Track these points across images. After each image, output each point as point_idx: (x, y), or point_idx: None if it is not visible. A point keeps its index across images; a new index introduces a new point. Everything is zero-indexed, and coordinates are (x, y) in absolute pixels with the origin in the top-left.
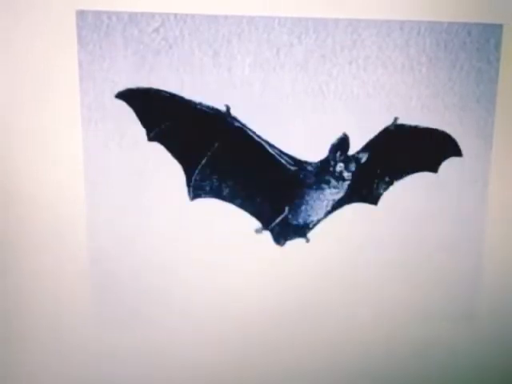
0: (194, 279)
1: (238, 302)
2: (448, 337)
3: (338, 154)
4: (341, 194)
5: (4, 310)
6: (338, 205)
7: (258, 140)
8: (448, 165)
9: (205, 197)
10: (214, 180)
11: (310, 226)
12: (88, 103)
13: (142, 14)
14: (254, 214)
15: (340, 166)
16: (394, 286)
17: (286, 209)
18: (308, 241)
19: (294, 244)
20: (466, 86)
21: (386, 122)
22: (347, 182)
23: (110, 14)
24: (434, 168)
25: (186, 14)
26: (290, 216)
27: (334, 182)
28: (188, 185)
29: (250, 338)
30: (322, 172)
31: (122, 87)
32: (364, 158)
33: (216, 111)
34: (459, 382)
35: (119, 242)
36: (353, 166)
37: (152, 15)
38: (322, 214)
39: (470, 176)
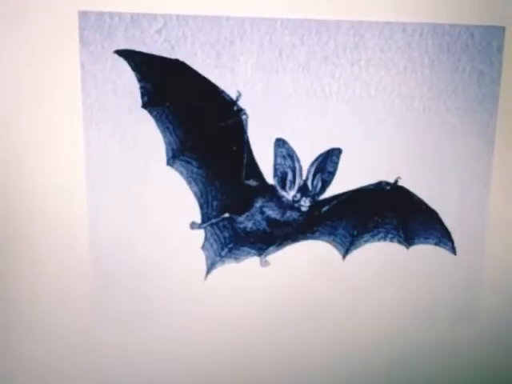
0: (194, 279)
1: (238, 303)
2: (448, 337)
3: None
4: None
5: (4, 310)
6: None
7: (247, 142)
8: (450, 166)
9: (176, 166)
10: (193, 158)
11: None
12: (90, 103)
13: (144, 15)
14: (202, 206)
15: (304, 201)
16: (395, 286)
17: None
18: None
19: (295, 245)
20: (468, 87)
21: (389, 123)
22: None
23: (112, 15)
24: (408, 242)
25: (189, 16)
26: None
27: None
28: (167, 147)
29: (249, 337)
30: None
31: (123, 88)
32: (327, 207)
33: (223, 94)
34: (460, 383)
35: (120, 242)
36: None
37: (154, 16)
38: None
39: (471, 177)
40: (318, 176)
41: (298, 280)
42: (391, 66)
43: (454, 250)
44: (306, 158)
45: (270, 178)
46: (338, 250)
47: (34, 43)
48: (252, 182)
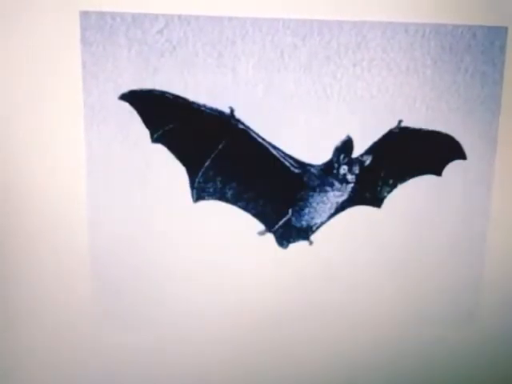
0: (195, 280)
1: (240, 303)
2: (449, 337)
3: (342, 156)
4: (344, 197)
5: (5, 310)
6: (341, 207)
7: (262, 142)
8: (452, 167)
9: (208, 199)
10: (218, 182)
11: (314, 228)
12: (91, 104)
13: (146, 15)
14: (258, 216)
15: (344, 169)
16: (396, 287)
17: (290, 211)
18: (311, 243)
19: (297, 246)
20: (470, 88)
21: (390, 123)
22: (351, 185)
23: (113, 15)
24: (438, 171)
25: (190, 16)
26: (293, 218)
27: (337, 184)
28: (192, 187)
29: (251, 338)
30: (326, 174)
31: (125, 88)
32: (368, 160)
33: (220, 113)
34: (460, 382)
35: (121, 243)
36: (356, 169)
37: (156, 16)
38: (325, 216)
39: (473, 178)
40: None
41: (298, 280)
42: (393, 66)
43: (464, 155)
44: (307, 158)
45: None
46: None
47: (35, 43)
48: (296, 170)
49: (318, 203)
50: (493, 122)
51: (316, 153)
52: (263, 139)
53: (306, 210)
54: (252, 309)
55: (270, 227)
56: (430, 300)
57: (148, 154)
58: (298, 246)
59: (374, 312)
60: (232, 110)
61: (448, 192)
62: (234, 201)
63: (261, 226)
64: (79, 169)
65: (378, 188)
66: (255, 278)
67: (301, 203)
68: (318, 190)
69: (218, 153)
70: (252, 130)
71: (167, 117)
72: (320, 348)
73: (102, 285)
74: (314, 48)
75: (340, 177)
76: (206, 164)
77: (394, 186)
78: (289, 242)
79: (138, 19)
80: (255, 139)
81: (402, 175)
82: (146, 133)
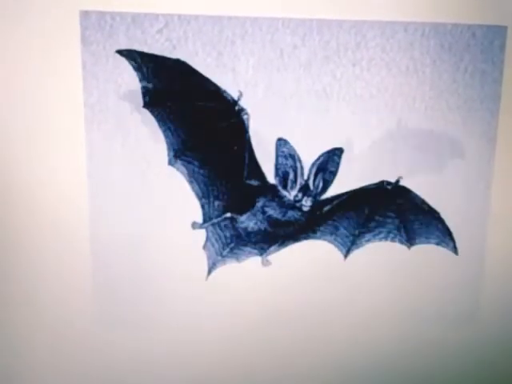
0: (195, 280)
1: (240, 302)
2: (449, 337)
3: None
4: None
5: (7, 310)
6: None
7: (249, 143)
8: (452, 167)
9: (177, 166)
10: (195, 161)
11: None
12: (91, 104)
13: (146, 14)
14: (203, 207)
15: (305, 200)
16: (396, 287)
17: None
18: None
19: (297, 245)
20: (470, 87)
21: (390, 123)
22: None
23: (113, 15)
24: (410, 242)
25: (190, 15)
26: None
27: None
28: (169, 148)
29: (249, 337)
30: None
31: (125, 88)
32: (328, 207)
33: (225, 94)
34: (460, 382)
35: (121, 243)
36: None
37: (155, 16)
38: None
39: (473, 178)
40: (320, 176)
41: (298, 280)
42: (393, 65)
43: (455, 250)
44: (307, 158)
45: (271, 178)
46: (340, 249)
47: (35, 43)
48: (254, 182)
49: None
50: (492, 121)
51: (315, 152)
52: (250, 142)
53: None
54: (251, 309)
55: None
56: (430, 300)
57: (148, 154)
58: (298, 246)
59: (373, 312)
60: (240, 95)
61: (447, 191)
62: (196, 180)
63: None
64: (80, 169)
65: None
66: (255, 278)
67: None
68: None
69: (207, 132)
70: (248, 127)
71: (166, 80)
72: (319, 348)
73: (103, 284)
74: (313, 47)
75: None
76: (191, 138)
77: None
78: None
79: (137, 19)
80: (246, 135)
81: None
82: (146, 133)
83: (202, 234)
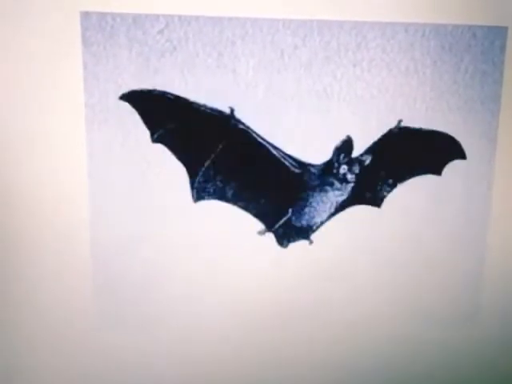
0: (196, 280)
1: (240, 303)
2: (449, 337)
3: (342, 156)
4: (344, 197)
5: (7, 310)
6: (341, 207)
7: (262, 142)
8: (452, 166)
9: (208, 199)
10: (218, 182)
11: (314, 227)
12: (92, 104)
13: (147, 15)
14: (258, 215)
15: (344, 169)
16: (397, 287)
17: (290, 210)
18: (311, 243)
19: (297, 245)
20: (470, 88)
21: (390, 123)
22: (351, 185)
23: (114, 16)
24: (437, 170)
25: (191, 16)
26: (293, 218)
27: (337, 184)
28: (192, 187)
29: (250, 337)
30: (326, 174)
31: (126, 88)
32: (368, 160)
33: (220, 113)
34: (460, 382)
35: (122, 243)
36: (356, 169)
37: (156, 17)
38: (325, 216)
39: (473, 177)
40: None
41: (299, 280)
42: (393, 66)
43: (463, 155)
44: (308, 158)
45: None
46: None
47: (36, 44)
48: (295, 169)
49: (318, 203)
50: (493, 121)
51: (316, 153)
52: (263, 139)
53: (306, 210)
54: (252, 308)
55: (269, 227)
56: (430, 300)
57: (149, 154)
58: (299, 246)
59: (373, 312)
60: (232, 110)
61: (448, 192)
62: (234, 200)
63: (261, 226)
64: (80, 169)
65: (378, 188)
66: (255, 278)
67: (301, 203)
68: (317, 189)
69: (218, 153)
70: (252, 130)
71: (168, 117)
72: (320, 348)
73: (103, 285)
74: (314, 48)
75: (340, 176)
76: (207, 164)
77: (393, 186)
78: (289, 241)
79: (138, 19)
80: (255, 139)
81: (401, 175)
82: (146, 133)
83: (201, 234)
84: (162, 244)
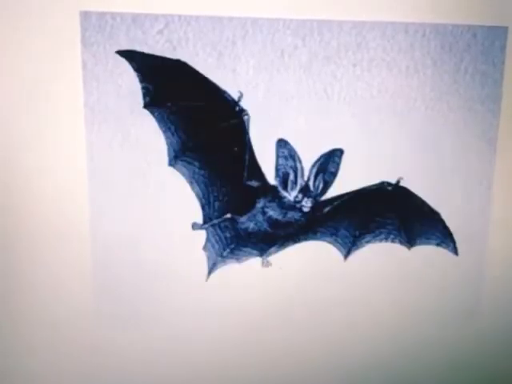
0: (195, 279)
1: (240, 302)
2: (449, 337)
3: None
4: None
5: (7, 309)
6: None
7: (249, 143)
8: (452, 167)
9: (177, 168)
10: (196, 162)
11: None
12: (91, 104)
13: (146, 15)
14: (204, 207)
15: (305, 201)
16: (397, 286)
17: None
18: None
19: (298, 246)
20: (470, 88)
21: (391, 123)
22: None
23: (114, 15)
24: (410, 242)
25: (190, 16)
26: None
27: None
28: (170, 148)
29: (250, 337)
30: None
31: (125, 88)
32: (326, 209)
33: (225, 95)
34: (461, 381)
35: (122, 243)
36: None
37: (156, 17)
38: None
39: (473, 177)
40: (320, 177)
41: (298, 281)
42: (393, 66)
43: (455, 251)
44: (308, 158)
45: (271, 179)
46: (340, 250)
47: (35, 44)
48: (254, 183)
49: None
50: (493, 121)
51: (316, 153)
52: (250, 143)
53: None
54: (252, 308)
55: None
56: (430, 299)
57: (149, 154)
58: (299, 246)
59: (373, 311)
60: (240, 96)
61: (448, 192)
62: (196, 180)
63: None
64: (80, 169)
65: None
66: (255, 278)
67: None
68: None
69: (208, 133)
70: (247, 128)
71: (166, 80)
72: (319, 347)
73: (103, 284)
74: (314, 48)
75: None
76: (190, 139)
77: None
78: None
79: (138, 19)
80: (245, 136)
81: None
82: (146, 133)
83: (201, 234)
84: (161, 244)
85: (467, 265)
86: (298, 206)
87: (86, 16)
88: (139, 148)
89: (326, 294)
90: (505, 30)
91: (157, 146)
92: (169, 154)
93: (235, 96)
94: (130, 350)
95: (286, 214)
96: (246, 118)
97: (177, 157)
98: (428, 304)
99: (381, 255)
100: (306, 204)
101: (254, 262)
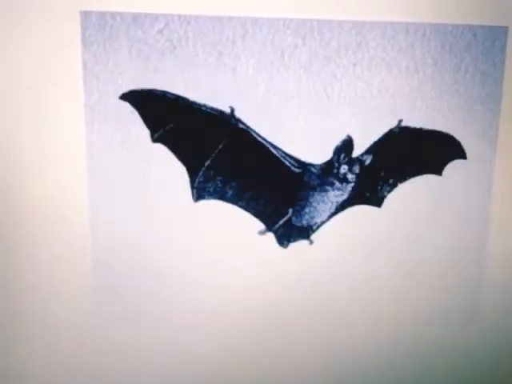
0: (195, 279)
1: (240, 302)
2: (449, 338)
3: (342, 156)
4: (345, 196)
5: (7, 309)
6: (341, 207)
7: (262, 142)
8: (452, 166)
9: (208, 198)
10: (218, 181)
11: (314, 227)
12: (92, 104)
13: (146, 14)
14: (258, 215)
15: (344, 168)
16: (397, 286)
17: (290, 210)
18: (311, 243)
19: (298, 245)
20: (470, 88)
21: (391, 123)
22: (351, 184)
23: (114, 15)
24: (438, 170)
25: (190, 15)
26: (293, 218)
27: (338, 184)
28: (192, 186)
29: (250, 336)
30: (326, 174)
31: (126, 88)
32: (368, 160)
33: (220, 113)
34: (461, 381)
35: (122, 242)
36: (357, 169)
37: (156, 16)
38: (325, 216)
39: (474, 177)
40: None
41: (298, 279)
42: (393, 66)
43: (464, 154)
44: (308, 158)
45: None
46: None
47: (35, 43)
48: (296, 169)
49: (318, 203)
50: (493, 121)
51: (316, 152)
52: (263, 139)
53: (307, 210)
54: (251, 307)
55: (270, 226)
56: (430, 300)
57: (149, 154)
58: (299, 246)
59: (373, 311)
60: (232, 110)
61: (448, 192)
62: (234, 200)
63: (261, 226)
64: (80, 168)
65: (379, 187)
66: (255, 277)
67: (301, 202)
68: (318, 189)
69: (218, 152)
70: (252, 130)
71: (168, 116)
72: (319, 347)
73: (103, 283)
74: (314, 48)
75: (340, 176)
76: (207, 163)
77: (394, 186)
78: (289, 241)
79: (138, 19)
80: (255, 139)
81: (402, 175)
82: (146, 132)
83: (201, 233)
84: (161, 243)
85: (467, 265)
86: (347, 177)
87: (86, 15)
88: (139, 148)
89: (326, 293)
90: (505, 29)
91: (156, 146)
92: (193, 194)
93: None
94: (129, 349)
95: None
96: (243, 126)
97: (204, 190)
98: (428, 304)
99: (380, 255)
100: (354, 171)
101: (253, 262)
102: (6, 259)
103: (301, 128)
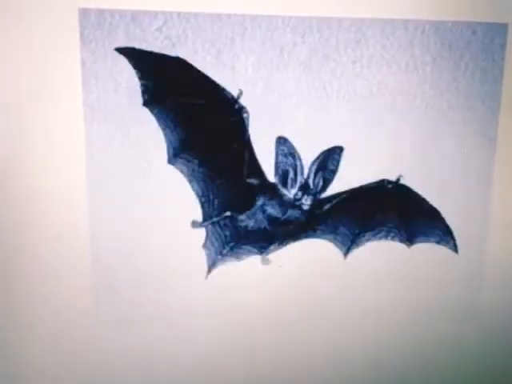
0: (195, 279)
1: (240, 302)
2: (449, 336)
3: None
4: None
5: (6, 309)
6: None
7: (249, 141)
8: (452, 167)
9: (177, 165)
10: (195, 159)
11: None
12: (91, 102)
13: (145, 12)
14: (203, 206)
15: (298, 194)
16: (397, 286)
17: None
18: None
19: (298, 245)
20: (470, 85)
21: (390, 122)
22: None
23: (112, 13)
24: (410, 241)
25: (189, 13)
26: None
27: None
28: (168, 146)
29: (250, 336)
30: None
31: (124, 86)
32: (327, 206)
33: (227, 93)
34: (461, 381)
35: (121, 241)
36: (310, 199)
37: (155, 14)
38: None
39: (473, 177)
40: (320, 174)
41: (298, 279)
42: (393, 63)
43: (455, 248)
44: (308, 156)
45: (271, 177)
46: (340, 248)
47: (34, 41)
48: (253, 181)
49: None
50: (493, 119)
51: (315, 151)
52: (249, 140)
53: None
54: (252, 308)
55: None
56: (430, 299)
57: (149, 154)
58: (298, 245)
59: (373, 310)
60: (240, 93)
61: (448, 191)
62: (196, 178)
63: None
64: (79, 167)
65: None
66: (255, 277)
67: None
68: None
69: (208, 129)
70: (247, 126)
71: (168, 78)
72: (319, 346)
73: (103, 283)
74: (313, 45)
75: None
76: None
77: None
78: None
79: (137, 17)
80: (246, 133)
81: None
82: (146, 132)
83: (201, 233)
84: (161, 243)
85: (467, 264)
86: (297, 203)
87: (84, 13)
88: (139, 147)
89: (326, 292)
90: (505, 26)
91: (157, 145)
92: (168, 152)
93: (235, 93)
94: (129, 349)
95: (285, 211)
96: (245, 115)
97: (176, 155)
98: (428, 304)
99: (380, 254)
100: (306, 202)
101: (253, 261)
102: (5, 260)
103: (300, 126)
